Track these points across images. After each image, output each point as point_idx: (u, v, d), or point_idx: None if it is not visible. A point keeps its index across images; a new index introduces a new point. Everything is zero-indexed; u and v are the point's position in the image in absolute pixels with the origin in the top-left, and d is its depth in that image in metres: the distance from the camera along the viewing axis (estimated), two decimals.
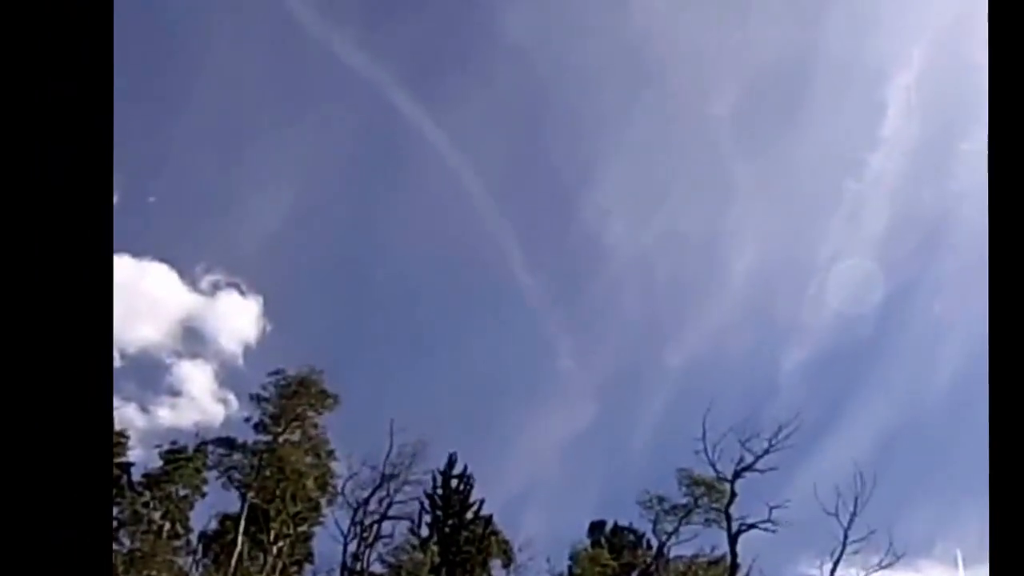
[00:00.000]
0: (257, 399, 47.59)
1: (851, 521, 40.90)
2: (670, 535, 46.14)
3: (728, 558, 43.09)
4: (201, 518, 47.75)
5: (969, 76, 48.47)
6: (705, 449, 43.19)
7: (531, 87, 61.99)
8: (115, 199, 2.96)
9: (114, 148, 2.86)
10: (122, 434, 45.28)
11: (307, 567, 48.27)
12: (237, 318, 56.85)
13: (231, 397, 51.93)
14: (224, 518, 47.25)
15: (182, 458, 46.42)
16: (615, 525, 51.23)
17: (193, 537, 47.54)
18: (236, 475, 46.89)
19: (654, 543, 47.97)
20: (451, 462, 47.73)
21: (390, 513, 45.98)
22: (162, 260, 54.45)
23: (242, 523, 44.85)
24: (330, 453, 48.51)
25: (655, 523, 46.79)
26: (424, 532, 46.35)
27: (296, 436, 47.73)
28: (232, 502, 46.96)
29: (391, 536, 46.09)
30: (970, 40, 46.50)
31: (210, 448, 47.35)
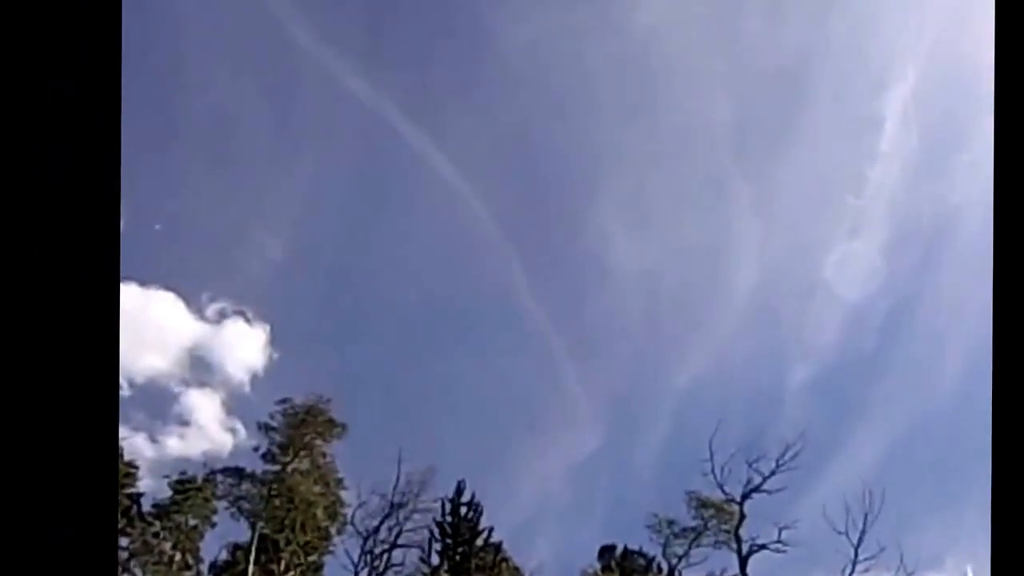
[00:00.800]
0: (265, 428, 47.68)
1: (861, 539, 40.89)
2: (680, 558, 45.98)
3: None
4: (211, 548, 47.73)
5: (967, 86, 48.51)
6: (713, 471, 43.23)
7: (532, 108, 62.19)
8: (120, 227, 3.01)
9: (122, 160, 2.89)
10: (131, 464, 45.29)
11: None
12: (244, 346, 56.72)
13: (239, 426, 51.85)
14: (234, 548, 47.21)
15: (191, 488, 46.39)
16: (625, 549, 50.98)
17: (204, 568, 47.44)
18: (245, 505, 46.88)
19: (664, 567, 47.75)
20: (459, 490, 47.61)
21: (400, 541, 45.90)
22: (168, 288, 54.47)
23: (252, 553, 44.76)
24: (339, 482, 48.55)
25: (665, 546, 46.69)
26: (435, 560, 46.17)
27: (304, 465, 47.73)
28: (242, 532, 47.00)
29: (402, 564, 45.98)
30: (967, 50, 46.59)
31: (219, 478, 47.37)
